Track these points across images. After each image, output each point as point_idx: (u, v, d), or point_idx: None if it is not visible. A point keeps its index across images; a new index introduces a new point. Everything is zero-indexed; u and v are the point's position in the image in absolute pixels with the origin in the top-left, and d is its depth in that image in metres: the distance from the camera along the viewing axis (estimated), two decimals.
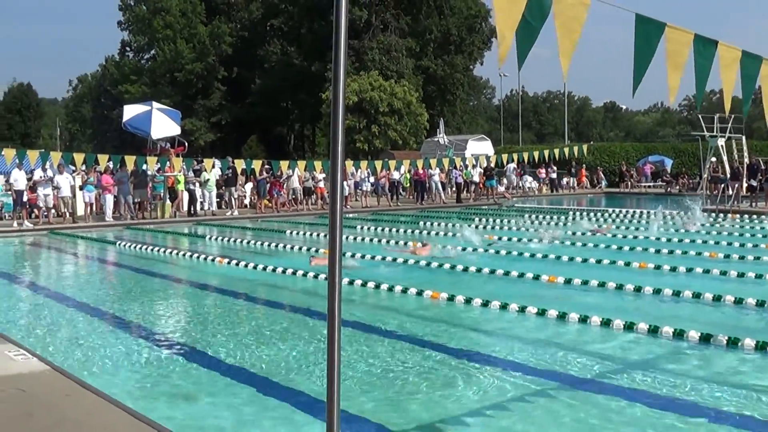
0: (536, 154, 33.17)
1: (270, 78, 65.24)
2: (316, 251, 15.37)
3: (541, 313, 9.09)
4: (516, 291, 10.75)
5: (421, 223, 22.53)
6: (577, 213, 24.44)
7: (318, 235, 19.70)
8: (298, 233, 20.22)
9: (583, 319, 8.66)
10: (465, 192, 35.09)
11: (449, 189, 35.03)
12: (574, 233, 18.57)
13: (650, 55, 4.78)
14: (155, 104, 28.45)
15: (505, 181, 39.08)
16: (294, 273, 12.67)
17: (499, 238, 17.58)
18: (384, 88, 53.70)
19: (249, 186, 29.62)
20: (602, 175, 44.28)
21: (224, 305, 10.53)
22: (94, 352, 7.76)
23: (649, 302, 9.99)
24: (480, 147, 45.98)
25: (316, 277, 12.20)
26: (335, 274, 3.31)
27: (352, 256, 14.18)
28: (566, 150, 33.81)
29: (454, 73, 65.36)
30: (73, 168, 26.48)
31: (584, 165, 44.43)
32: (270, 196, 28.14)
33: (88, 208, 23.76)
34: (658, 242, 16.43)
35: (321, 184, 28.98)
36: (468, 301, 9.86)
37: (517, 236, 17.82)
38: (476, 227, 20.64)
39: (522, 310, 9.27)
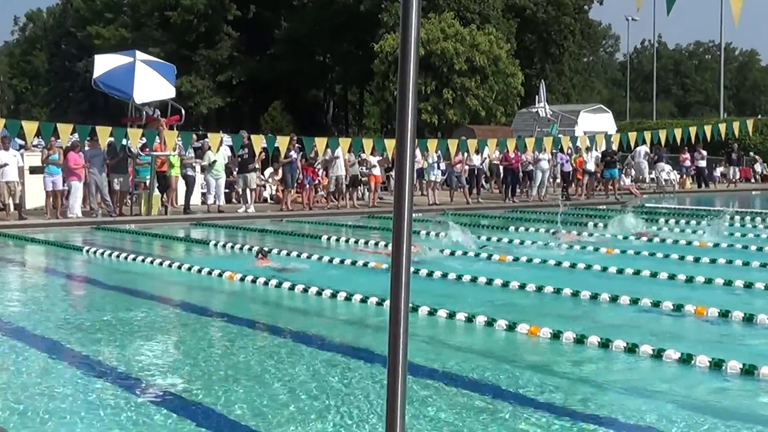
0: (677, 132, 32.62)
1: (301, 21, 65.63)
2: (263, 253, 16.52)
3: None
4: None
5: (511, 228, 22.35)
6: (748, 218, 24.10)
7: (369, 242, 19.66)
8: (339, 239, 20.23)
9: None
10: (574, 185, 34.79)
11: (550, 180, 34.81)
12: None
13: None
14: (139, 55, 28.44)
15: (632, 170, 38.58)
16: (334, 295, 12.68)
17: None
18: (461, 36, 53.64)
19: (269, 172, 29.83)
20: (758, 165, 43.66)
21: (234, 339, 10.54)
22: (49, 406, 7.79)
23: None
24: (597, 122, 45.59)
25: (365, 301, 12.19)
26: (400, 300, 3.22)
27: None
28: (722, 127, 33.19)
29: (561, 16, 65.05)
30: (21, 142, 26.89)
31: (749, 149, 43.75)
32: (300, 187, 28.27)
33: (50, 199, 24.05)
34: None
35: (376, 171, 28.98)
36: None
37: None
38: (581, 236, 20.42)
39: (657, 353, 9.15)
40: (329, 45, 67.04)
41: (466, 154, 30.70)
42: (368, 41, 59.25)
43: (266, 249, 17.32)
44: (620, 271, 15.02)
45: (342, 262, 16.32)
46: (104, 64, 27.40)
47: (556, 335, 10.17)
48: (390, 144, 28.38)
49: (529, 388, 8.32)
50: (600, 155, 33.95)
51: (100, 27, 69.30)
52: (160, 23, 66.81)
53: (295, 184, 28.15)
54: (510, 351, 10.00)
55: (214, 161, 26.33)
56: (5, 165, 23.17)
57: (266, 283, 13.86)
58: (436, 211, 27.30)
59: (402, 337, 3.26)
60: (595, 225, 22.99)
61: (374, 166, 28.96)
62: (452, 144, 29.56)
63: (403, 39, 3.21)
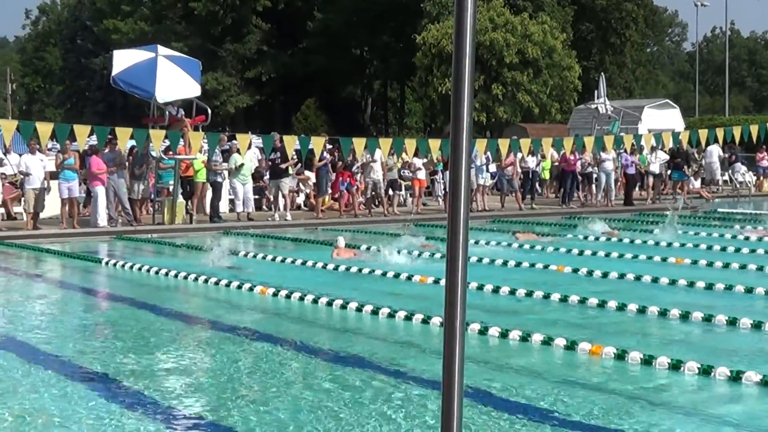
0: (753, 129, 32.31)
1: (336, 11, 65.82)
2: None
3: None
4: None
5: (568, 236, 22.28)
6: None
7: (412, 253, 19.60)
8: (379, 249, 20.19)
9: None
10: (639, 188, 34.56)
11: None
12: None
13: None
14: (161, 50, 28.44)
15: (702, 171, 38.27)
16: (375, 312, 12.67)
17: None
18: (512, 26, 53.54)
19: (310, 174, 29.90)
20: None
21: (268, 360, 10.56)
22: (61, 428, 7.86)
23: None
24: (663, 118, 45.29)
25: (409, 318, 12.17)
26: (455, 319, 3.19)
27: None
28: None
29: (622, 2, 64.75)
30: (37, 146, 27.15)
31: None
32: (335, 192, 28.31)
33: (66, 207, 24.20)
34: None
35: (421, 175, 28.94)
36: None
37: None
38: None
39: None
40: (367, 37, 67.16)
41: (519, 156, 30.54)
42: (409, 33, 59.25)
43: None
44: (691, 284, 14.91)
45: (384, 274, 16.30)
46: (123, 60, 27.36)
47: (621, 355, 10.11)
48: (434, 144, 28.36)
49: (594, 411, 8.28)
50: (667, 155, 33.69)
51: (117, 20, 69.77)
52: (183, 15, 67.20)
53: (327, 190, 28.18)
54: (570, 371, 9.94)
55: (241, 165, 26.28)
56: (29, 174, 23.31)
57: (302, 299, 13.87)
58: (486, 218, 27.24)
59: (458, 358, 3.22)
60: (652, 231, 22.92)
61: (419, 169, 28.91)
62: (503, 144, 29.42)
63: (457, 30, 3.18)
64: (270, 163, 27.31)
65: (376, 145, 27.66)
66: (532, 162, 31.52)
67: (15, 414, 8.31)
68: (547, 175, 34.57)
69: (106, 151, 24.55)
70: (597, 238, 21.89)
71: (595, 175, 32.71)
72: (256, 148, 28.68)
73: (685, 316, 12.24)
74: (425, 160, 29.26)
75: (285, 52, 68.95)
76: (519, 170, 31.14)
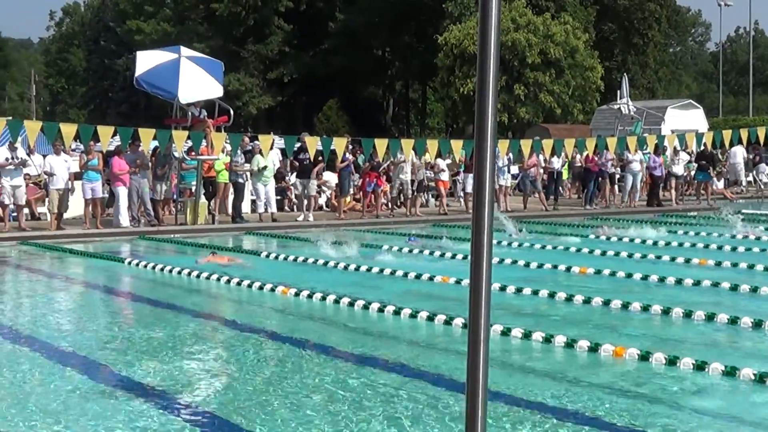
0: None
1: (358, 12, 65.88)
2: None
3: None
4: None
5: (590, 237, 22.23)
6: None
7: (434, 253, 19.59)
8: (401, 249, 20.18)
9: None
10: (662, 189, 34.43)
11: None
12: None
13: None
14: (184, 51, 28.49)
15: (726, 172, 38.11)
16: (397, 312, 12.67)
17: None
18: (534, 26, 53.46)
19: (328, 176, 29.91)
20: None
21: (288, 360, 10.57)
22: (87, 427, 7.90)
23: None
24: (686, 119, 45.17)
25: (431, 319, 12.16)
26: (479, 323, 3.18)
27: None
28: None
29: (645, 2, 64.58)
30: (61, 146, 27.29)
31: None
32: (363, 192, 28.30)
33: (89, 207, 24.31)
34: None
35: (444, 176, 28.93)
36: None
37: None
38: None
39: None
40: (389, 38, 67.19)
41: (541, 156, 30.46)
42: (431, 33, 59.30)
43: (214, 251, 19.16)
44: (716, 285, 14.84)
45: (405, 275, 16.29)
46: (147, 61, 27.39)
47: (645, 356, 10.07)
48: (456, 145, 28.33)
49: (618, 413, 8.25)
50: (691, 156, 33.57)
51: (140, 21, 70.15)
52: (206, 16, 67.45)
53: (349, 190, 28.19)
54: (591, 372, 9.90)
55: (264, 166, 26.29)
56: (53, 175, 23.41)
57: (323, 299, 13.88)
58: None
59: (482, 362, 3.22)
60: (686, 233, 22.87)
61: (443, 170, 28.91)
62: (525, 145, 29.36)
63: (482, 19, 3.18)
64: (298, 163, 27.30)
65: (398, 146, 27.66)
66: (557, 163, 31.42)
67: (38, 414, 8.35)
68: (565, 174, 34.48)
69: (129, 152, 24.66)
70: (609, 239, 21.88)
71: (618, 176, 32.61)
72: (278, 149, 28.71)
73: (710, 318, 12.17)
74: (449, 161, 29.25)
75: (307, 52, 69.07)
76: (542, 171, 31.08)
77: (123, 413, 8.39)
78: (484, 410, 3.21)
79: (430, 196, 31.51)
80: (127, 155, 24.58)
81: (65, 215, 24.19)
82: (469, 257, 3.19)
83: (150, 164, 25.19)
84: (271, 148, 26.90)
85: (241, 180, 26.42)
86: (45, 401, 8.79)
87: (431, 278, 15.80)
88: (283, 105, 71.85)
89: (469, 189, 28.98)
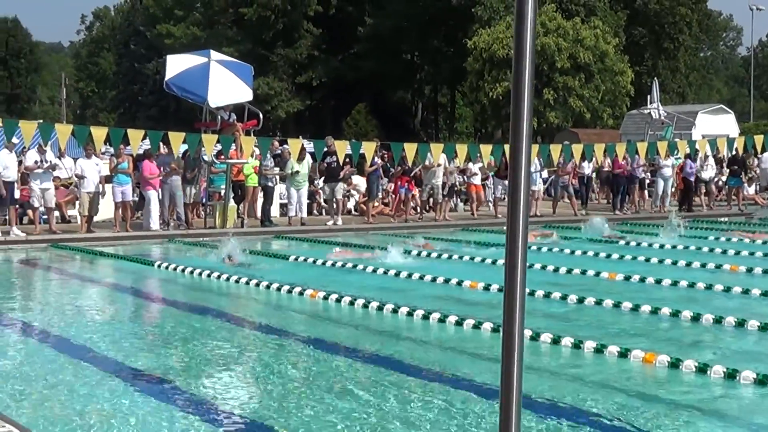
0: None
1: (386, 16, 65.91)
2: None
3: None
4: None
5: (621, 243, 22.13)
6: None
7: (463, 258, 19.54)
8: (431, 255, 20.17)
9: None
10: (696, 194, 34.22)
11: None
12: None
13: None
14: (214, 54, 28.44)
15: (757, 178, 37.82)
16: (426, 317, 12.65)
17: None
18: (564, 31, 53.28)
19: (357, 180, 29.91)
20: None
21: (317, 363, 10.58)
22: (114, 430, 7.94)
23: None
24: (717, 124, 44.86)
25: (460, 323, 12.14)
26: (514, 326, 3.16)
27: None
28: None
29: (675, 6, 64.23)
30: (92, 150, 27.44)
31: None
32: (396, 197, 28.27)
33: (119, 211, 24.36)
34: None
35: (476, 180, 28.79)
36: None
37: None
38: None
39: None
40: (417, 42, 67.13)
41: (570, 162, 30.26)
42: (460, 38, 59.23)
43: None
44: (746, 292, 14.75)
45: (434, 280, 16.27)
46: (177, 65, 27.30)
47: (675, 363, 10.01)
48: (486, 150, 28.24)
49: (647, 420, 8.20)
50: (724, 161, 33.36)
51: (170, 25, 70.43)
52: (235, 21, 67.65)
53: (377, 194, 28.17)
54: (622, 379, 9.85)
55: (297, 171, 26.22)
56: (84, 177, 23.51)
57: (352, 303, 13.88)
58: (539, 223, 27.09)
59: (516, 367, 3.20)
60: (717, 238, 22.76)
61: (475, 174, 28.78)
62: (554, 149, 29.21)
63: (518, 22, 3.17)
64: (326, 166, 27.32)
65: (427, 149, 27.62)
66: (587, 168, 31.24)
67: (69, 413, 8.40)
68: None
69: (165, 153, 24.73)
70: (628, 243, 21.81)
71: (648, 181, 32.42)
72: (308, 153, 28.71)
73: (740, 324, 12.09)
74: (481, 165, 29.13)
75: (336, 56, 69.16)
76: (572, 177, 30.94)
77: (152, 414, 8.43)
78: (518, 418, 3.19)
79: (459, 200, 31.44)
80: (162, 157, 24.68)
81: (95, 218, 24.28)
82: (504, 261, 3.16)
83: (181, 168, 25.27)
84: (301, 152, 26.76)
85: (270, 184, 26.43)
86: (77, 403, 8.83)
87: (459, 283, 15.77)
88: (312, 109, 71.98)
89: (499, 194, 28.95)
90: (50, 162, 23.53)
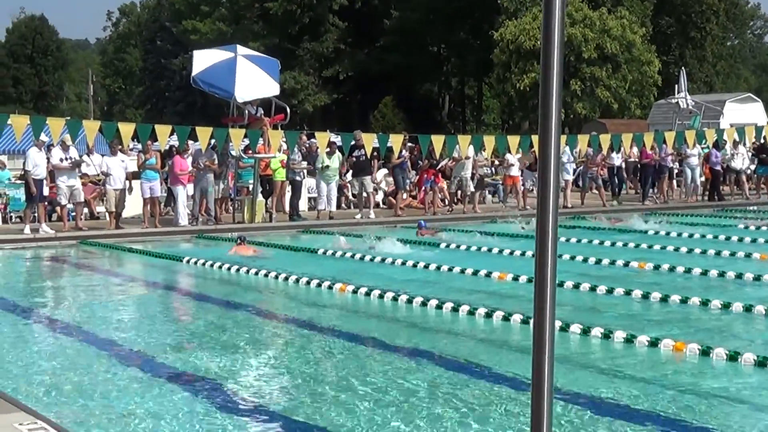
0: None
1: (413, 9, 65.84)
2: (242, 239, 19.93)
3: None
4: None
5: (650, 232, 22.07)
6: None
7: (492, 250, 19.51)
8: (459, 246, 20.14)
9: None
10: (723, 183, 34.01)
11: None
12: None
13: None
14: (240, 49, 28.39)
15: None
16: (455, 309, 12.65)
17: None
18: (590, 21, 53.05)
19: (382, 173, 29.89)
20: None
21: (350, 358, 10.61)
22: (146, 427, 8.00)
23: None
24: (745, 112, 44.60)
25: (489, 315, 12.14)
26: (544, 319, 3.17)
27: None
28: None
29: None
30: (118, 146, 27.55)
31: None
32: (420, 189, 28.23)
33: (147, 206, 24.43)
34: None
35: (514, 171, 28.56)
36: None
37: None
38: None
39: None
40: (444, 35, 67.05)
41: (599, 153, 30.09)
42: (487, 29, 59.10)
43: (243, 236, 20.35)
44: None
45: (463, 271, 16.26)
46: (203, 60, 27.36)
47: (705, 352, 9.97)
48: (513, 141, 28.12)
49: (678, 408, 8.18)
50: (752, 150, 33.14)
51: (196, 21, 70.61)
52: (261, 15, 67.69)
53: (405, 187, 28.13)
54: (653, 368, 9.82)
55: (328, 165, 26.18)
56: (110, 174, 23.60)
57: (381, 296, 13.88)
58: (567, 214, 27.01)
59: (547, 361, 3.21)
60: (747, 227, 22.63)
61: (512, 165, 28.48)
62: (582, 140, 29.08)
63: (546, 12, 3.17)
64: (354, 161, 27.30)
65: (455, 142, 27.53)
66: (616, 159, 31.04)
67: (99, 410, 8.45)
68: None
69: (198, 147, 24.78)
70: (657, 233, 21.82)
71: (676, 171, 32.27)
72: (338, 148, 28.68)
73: None
74: (519, 155, 28.82)
75: (362, 50, 69.14)
76: (602, 168, 30.78)
77: (185, 409, 8.47)
78: (550, 408, 3.20)
79: (488, 192, 31.34)
80: (197, 152, 24.77)
81: (123, 214, 24.38)
82: (534, 253, 3.17)
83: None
84: (329, 146, 26.71)
85: (298, 178, 26.44)
86: (108, 400, 8.89)
87: (488, 274, 15.76)
88: (339, 103, 71.98)
89: (528, 186, 28.83)
90: (73, 159, 23.54)
